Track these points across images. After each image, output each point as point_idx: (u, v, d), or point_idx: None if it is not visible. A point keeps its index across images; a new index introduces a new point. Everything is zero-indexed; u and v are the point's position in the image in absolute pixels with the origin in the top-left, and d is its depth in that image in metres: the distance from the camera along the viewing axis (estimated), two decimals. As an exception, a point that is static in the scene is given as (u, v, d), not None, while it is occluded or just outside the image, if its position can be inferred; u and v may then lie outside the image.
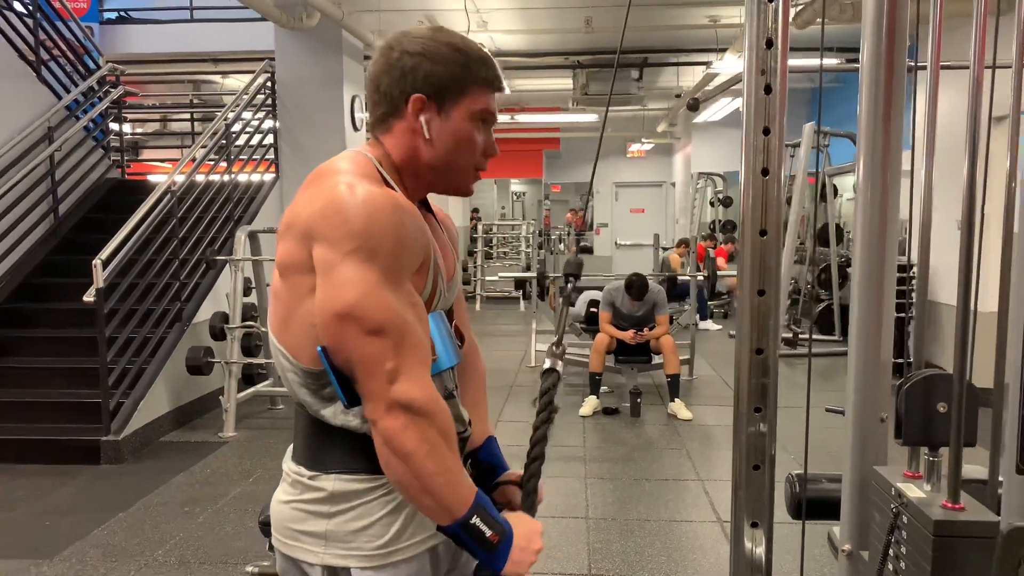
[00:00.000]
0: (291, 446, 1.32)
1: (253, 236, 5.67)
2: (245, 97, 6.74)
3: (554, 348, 1.42)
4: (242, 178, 6.74)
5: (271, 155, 7.22)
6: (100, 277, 4.70)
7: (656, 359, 5.86)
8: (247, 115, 6.90)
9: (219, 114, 6.48)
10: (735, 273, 7.48)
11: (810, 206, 8.19)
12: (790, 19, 1.37)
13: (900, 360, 5.39)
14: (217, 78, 10.07)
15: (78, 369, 5.10)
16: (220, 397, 5.33)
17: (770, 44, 1.27)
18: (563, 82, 9.68)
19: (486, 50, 1.30)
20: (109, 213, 6.43)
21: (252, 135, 7.04)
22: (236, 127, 6.73)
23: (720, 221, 12.22)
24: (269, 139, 7.25)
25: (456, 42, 1.26)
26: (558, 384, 1.40)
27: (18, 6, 6.55)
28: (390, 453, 1.13)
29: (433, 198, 1.41)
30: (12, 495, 4.15)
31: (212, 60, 8.91)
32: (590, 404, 5.65)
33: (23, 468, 4.53)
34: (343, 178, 1.17)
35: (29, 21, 6.58)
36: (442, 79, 1.23)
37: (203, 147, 6.22)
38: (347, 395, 1.17)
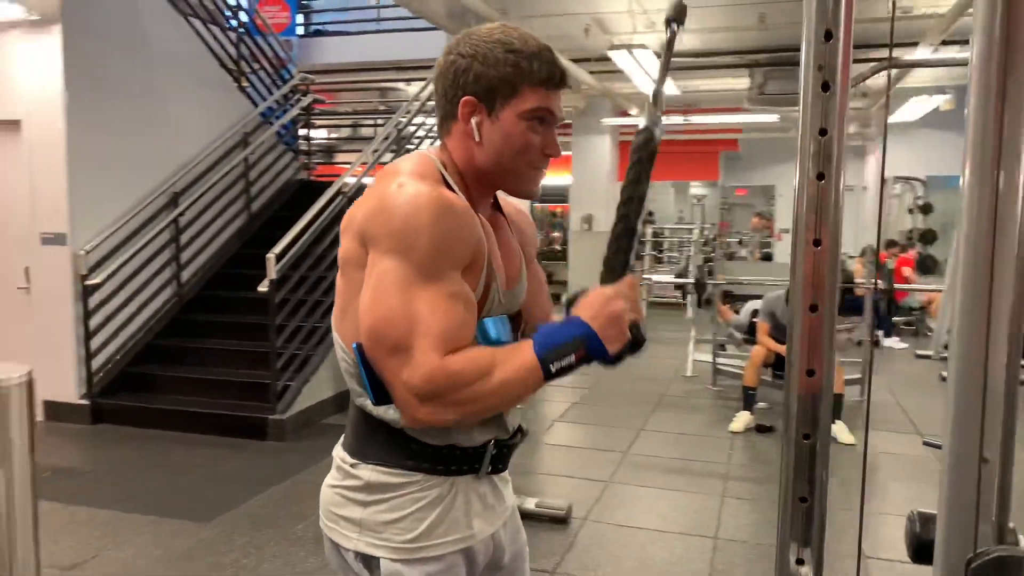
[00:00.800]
0: (344, 434, 1.38)
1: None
2: (416, 104, 7.06)
3: (650, 103, 1.24)
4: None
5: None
6: (273, 269, 5.13)
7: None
8: (419, 120, 7.23)
9: (391, 119, 6.84)
10: (931, 287, 6.84)
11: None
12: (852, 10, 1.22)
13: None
14: (401, 85, 10.62)
15: (255, 352, 5.58)
16: (377, 386, 5.62)
17: (829, 36, 1.15)
18: (739, 81, 9.30)
19: (544, 46, 1.26)
20: (295, 212, 6.98)
21: (423, 140, 7.37)
22: (408, 131, 7.07)
23: (919, 230, 11.24)
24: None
25: (510, 41, 1.23)
26: (652, 144, 1.23)
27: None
28: (458, 424, 1.22)
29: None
30: (189, 462, 4.63)
31: (395, 68, 9.41)
32: (742, 420, 5.39)
33: (202, 438, 5.03)
34: (398, 179, 1.19)
35: (233, 35, 7.29)
36: (491, 80, 1.22)
37: (375, 151, 6.60)
38: (375, 393, 1.21)
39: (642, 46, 6.64)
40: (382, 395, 1.20)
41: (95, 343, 5.53)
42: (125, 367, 5.75)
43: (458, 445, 1.27)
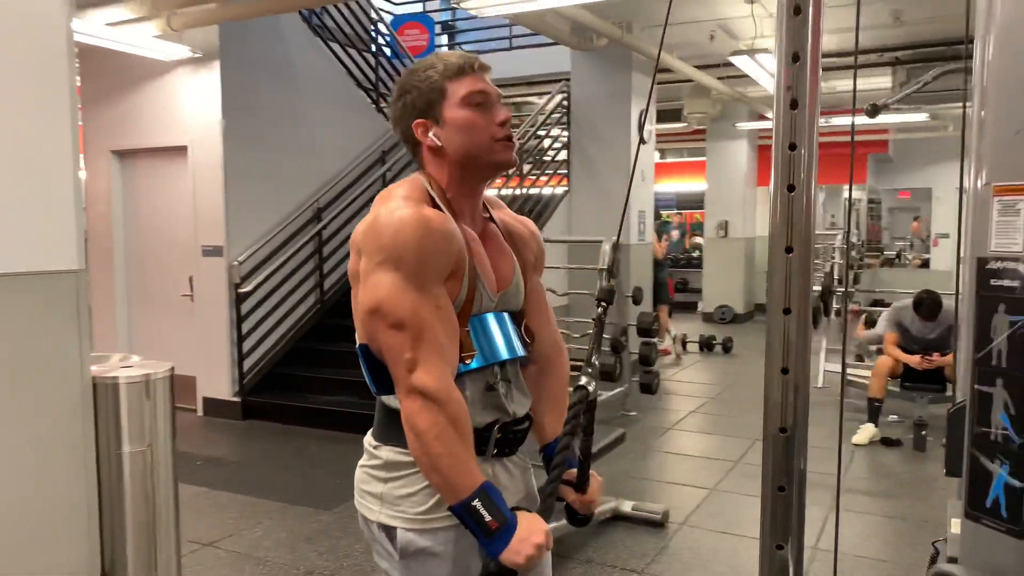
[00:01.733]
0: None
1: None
2: (541, 116, 7.29)
3: (587, 368, 1.45)
4: (533, 191, 7.29)
5: (563, 170, 7.70)
6: (398, 278, 5.48)
7: (951, 389, 5.19)
8: (541, 132, 7.45)
9: (519, 132, 7.10)
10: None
11: None
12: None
13: None
14: (534, 99, 10.89)
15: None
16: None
17: (796, 59, 1.24)
18: (881, 80, 8.87)
19: (454, 52, 1.50)
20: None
21: (546, 151, 7.58)
22: (531, 143, 7.31)
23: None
24: (562, 155, 7.73)
25: (421, 64, 1.46)
26: (588, 402, 1.43)
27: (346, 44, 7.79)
28: (408, 430, 1.34)
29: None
30: (321, 456, 5.05)
31: (526, 83, 9.69)
32: (866, 432, 5.19)
33: (336, 434, 5.46)
34: (390, 203, 1.40)
35: (371, 59, 7.81)
36: (424, 96, 1.44)
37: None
38: (376, 384, 1.42)
39: (764, 50, 6.52)
40: (382, 386, 1.40)
41: (247, 346, 6.11)
42: (273, 368, 6.31)
43: None
